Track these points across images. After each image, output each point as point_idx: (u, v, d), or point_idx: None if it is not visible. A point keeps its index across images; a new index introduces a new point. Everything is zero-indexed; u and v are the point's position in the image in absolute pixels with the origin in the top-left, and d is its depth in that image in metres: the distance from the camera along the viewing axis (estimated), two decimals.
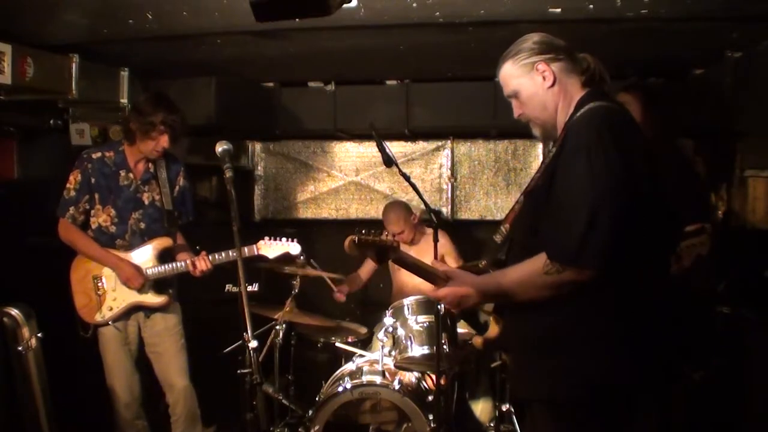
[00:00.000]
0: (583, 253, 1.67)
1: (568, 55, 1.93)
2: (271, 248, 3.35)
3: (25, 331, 2.66)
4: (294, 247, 3.39)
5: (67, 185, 3.18)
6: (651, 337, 1.79)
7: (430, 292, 2.02)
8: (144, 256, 3.23)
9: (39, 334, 2.72)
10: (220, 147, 2.57)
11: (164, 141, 3.12)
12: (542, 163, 2.01)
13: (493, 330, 2.15)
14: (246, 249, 3.25)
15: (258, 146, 5.11)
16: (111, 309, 3.19)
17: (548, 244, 1.75)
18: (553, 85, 1.91)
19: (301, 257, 3.52)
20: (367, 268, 4.29)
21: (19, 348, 2.62)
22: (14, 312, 2.65)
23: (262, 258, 3.35)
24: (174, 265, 3.24)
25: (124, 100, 3.75)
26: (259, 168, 5.13)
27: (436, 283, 2.01)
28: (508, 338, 2.08)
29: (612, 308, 1.76)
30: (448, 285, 1.95)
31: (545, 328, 1.83)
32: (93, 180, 3.18)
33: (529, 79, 1.92)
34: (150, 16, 2.83)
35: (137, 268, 3.18)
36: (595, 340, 1.77)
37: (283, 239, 3.38)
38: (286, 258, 3.43)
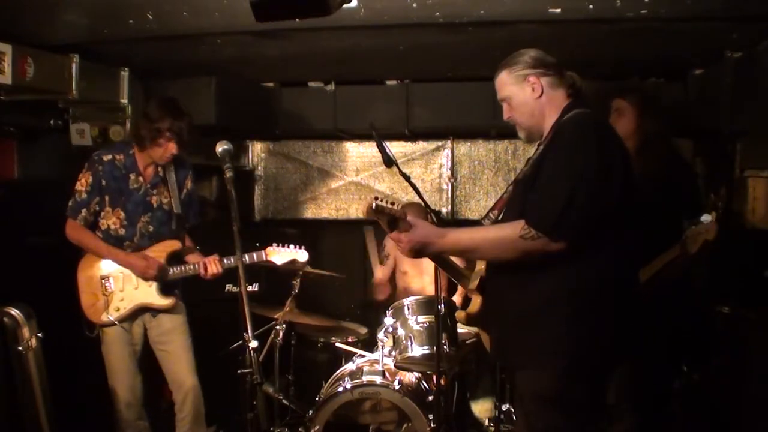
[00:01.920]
0: (560, 225, 1.91)
1: (557, 72, 2.18)
2: (279, 255, 3.37)
3: (25, 331, 2.66)
4: (302, 254, 3.41)
5: (78, 187, 3.18)
6: (616, 317, 2.02)
7: (390, 235, 2.15)
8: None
9: (39, 334, 2.72)
10: (220, 147, 2.57)
11: (172, 147, 3.13)
12: (529, 159, 2.22)
13: (474, 306, 2.33)
14: (255, 254, 3.31)
15: (258, 146, 5.11)
16: (118, 310, 3.19)
17: (529, 213, 1.97)
18: (540, 96, 2.16)
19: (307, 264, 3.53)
20: (384, 270, 4.26)
21: (19, 348, 2.63)
22: (14, 312, 2.66)
23: (270, 264, 3.37)
24: (184, 267, 3.26)
25: (124, 100, 3.74)
26: (259, 168, 5.13)
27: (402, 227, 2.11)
28: (488, 314, 2.28)
29: (582, 290, 1.99)
30: (410, 231, 2.07)
31: (525, 306, 2.05)
32: (104, 182, 3.19)
33: (520, 89, 2.18)
34: (150, 16, 2.82)
35: (147, 257, 3.19)
36: (567, 318, 1.99)
37: (292, 246, 3.40)
38: (294, 265, 3.45)
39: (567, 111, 2.12)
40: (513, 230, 1.97)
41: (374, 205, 2.08)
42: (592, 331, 2.00)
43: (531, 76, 2.15)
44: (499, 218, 2.24)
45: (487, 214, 2.28)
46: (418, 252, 2.10)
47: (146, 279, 3.19)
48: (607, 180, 1.95)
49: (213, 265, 3.23)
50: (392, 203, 2.08)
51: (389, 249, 4.16)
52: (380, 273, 4.22)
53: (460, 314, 2.42)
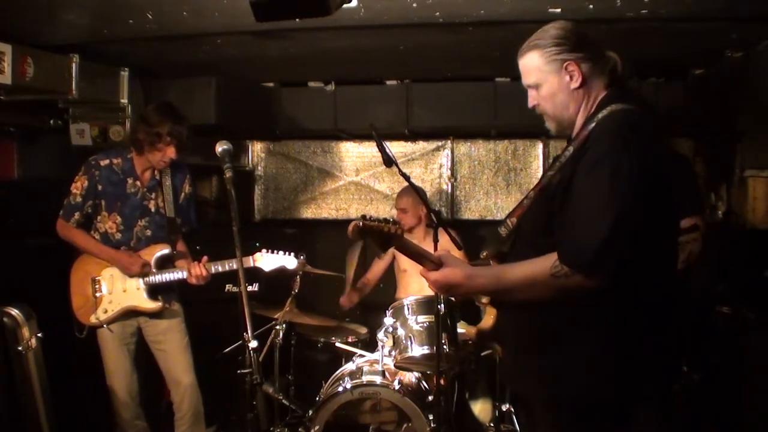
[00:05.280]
0: (598, 262, 1.63)
1: (598, 54, 1.85)
2: (267, 261, 3.33)
3: (25, 331, 2.66)
4: (290, 261, 3.36)
5: (73, 190, 3.18)
6: (651, 343, 1.76)
7: (420, 272, 1.95)
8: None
9: (39, 334, 2.72)
10: (220, 147, 2.56)
11: (171, 152, 3.13)
12: (555, 160, 1.89)
13: (488, 321, 2.13)
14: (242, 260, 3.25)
15: (258, 146, 5.12)
16: (106, 312, 3.19)
17: (562, 247, 1.70)
18: (580, 86, 1.83)
19: (302, 257, 3.51)
20: (376, 269, 4.28)
21: (19, 348, 2.63)
22: (14, 312, 2.65)
23: (258, 270, 3.34)
24: (170, 273, 3.24)
25: (124, 100, 3.74)
26: (259, 168, 5.13)
27: (427, 266, 1.92)
28: (502, 331, 2.05)
29: (613, 312, 1.72)
30: (440, 270, 1.87)
31: (542, 326, 1.81)
32: (100, 187, 3.19)
33: (556, 77, 1.83)
34: (150, 16, 2.82)
35: (134, 255, 3.19)
36: (592, 343, 1.74)
37: (281, 252, 3.36)
38: (283, 271, 3.41)
39: (603, 105, 1.80)
40: (543, 268, 1.70)
41: (361, 224, 1.84)
42: (618, 359, 1.73)
43: (570, 63, 1.80)
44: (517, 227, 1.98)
45: (505, 221, 2.00)
46: (445, 292, 1.93)
47: (130, 275, 3.19)
48: (652, 199, 1.67)
49: (197, 268, 3.19)
50: (385, 220, 1.86)
51: None
52: (375, 270, 4.23)
53: (471, 330, 2.23)
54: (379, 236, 1.86)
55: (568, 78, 1.82)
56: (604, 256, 1.63)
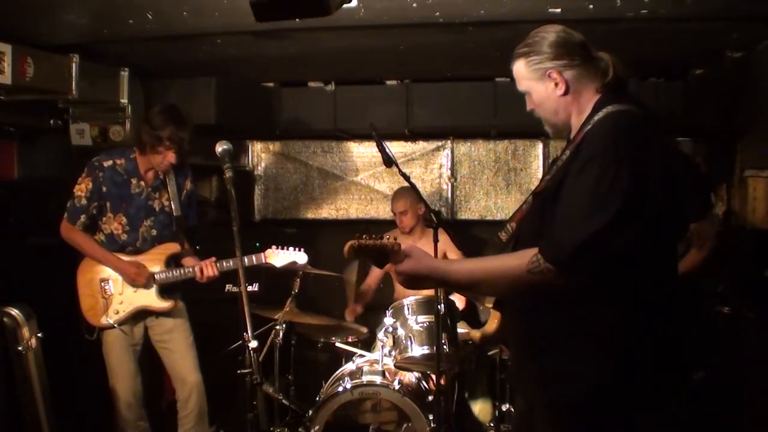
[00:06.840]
0: (575, 262, 1.62)
1: (585, 58, 1.84)
2: (278, 257, 3.36)
3: (25, 331, 2.66)
4: (301, 257, 3.40)
5: (77, 192, 3.17)
6: (653, 348, 1.73)
7: (385, 268, 1.89)
8: (152, 261, 3.24)
9: (39, 334, 2.72)
10: (220, 147, 2.56)
11: (171, 157, 3.12)
12: (553, 163, 1.90)
13: (492, 325, 2.12)
14: (254, 257, 3.29)
15: (258, 146, 5.12)
16: (117, 312, 3.19)
17: (543, 243, 1.68)
18: (565, 93, 1.84)
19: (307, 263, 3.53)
20: (374, 276, 4.27)
21: (19, 348, 2.63)
22: (14, 312, 2.66)
23: (269, 267, 3.37)
24: (182, 270, 3.26)
25: (124, 100, 3.74)
26: (259, 168, 5.13)
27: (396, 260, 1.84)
28: (506, 334, 2.03)
29: (613, 316, 1.70)
30: (405, 262, 1.80)
31: (544, 331, 1.78)
32: (104, 188, 3.18)
33: (540, 84, 1.86)
34: (150, 16, 2.82)
35: (139, 265, 3.19)
36: (594, 348, 1.72)
37: (291, 248, 3.39)
38: (293, 267, 3.44)
39: (599, 107, 1.79)
40: (520, 262, 1.68)
41: (357, 244, 1.80)
42: (620, 364, 1.70)
43: (552, 71, 1.82)
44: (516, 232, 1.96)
45: (505, 226, 1.98)
46: (414, 285, 1.84)
47: (134, 286, 3.20)
48: (642, 203, 1.62)
49: (209, 268, 3.21)
50: (380, 237, 1.82)
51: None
52: (374, 276, 4.22)
53: (475, 334, 2.23)
54: (376, 254, 1.83)
55: (552, 85, 1.84)
56: (582, 257, 1.61)
